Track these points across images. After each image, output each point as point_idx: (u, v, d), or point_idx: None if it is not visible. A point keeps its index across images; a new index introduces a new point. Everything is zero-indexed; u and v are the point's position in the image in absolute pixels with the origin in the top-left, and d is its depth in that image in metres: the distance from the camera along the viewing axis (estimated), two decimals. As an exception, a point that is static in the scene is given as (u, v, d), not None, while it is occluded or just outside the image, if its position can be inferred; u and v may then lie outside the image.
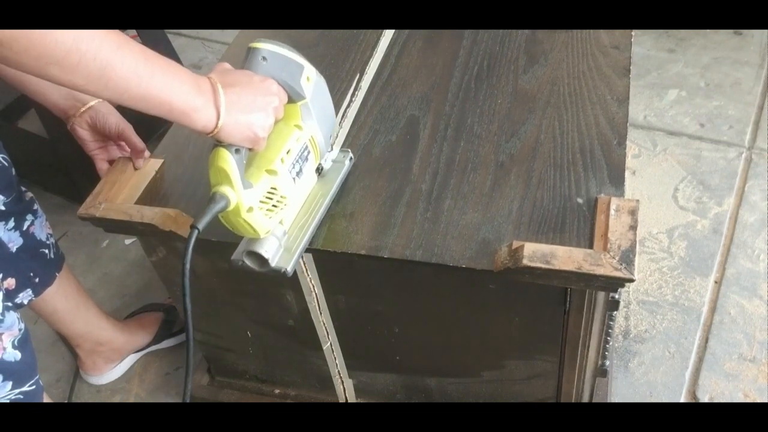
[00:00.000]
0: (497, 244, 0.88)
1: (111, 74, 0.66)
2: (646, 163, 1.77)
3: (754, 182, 1.67)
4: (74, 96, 1.01)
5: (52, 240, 1.25)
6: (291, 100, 0.86)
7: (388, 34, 1.24)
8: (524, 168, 0.97)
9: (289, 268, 0.87)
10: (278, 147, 0.86)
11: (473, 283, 0.93)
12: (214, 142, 0.79)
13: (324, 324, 1.09)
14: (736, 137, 1.79)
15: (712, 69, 2.00)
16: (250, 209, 0.81)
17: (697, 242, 1.57)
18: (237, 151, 0.79)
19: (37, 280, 1.23)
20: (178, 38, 2.37)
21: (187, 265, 0.77)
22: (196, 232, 0.77)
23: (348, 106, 1.10)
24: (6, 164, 1.11)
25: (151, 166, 1.05)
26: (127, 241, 1.77)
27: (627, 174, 0.94)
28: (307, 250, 0.93)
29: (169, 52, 1.88)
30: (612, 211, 0.87)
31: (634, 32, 1.16)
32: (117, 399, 1.45)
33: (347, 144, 1.05)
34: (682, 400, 1.32)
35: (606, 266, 0.81)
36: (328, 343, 1.13)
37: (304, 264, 0.98)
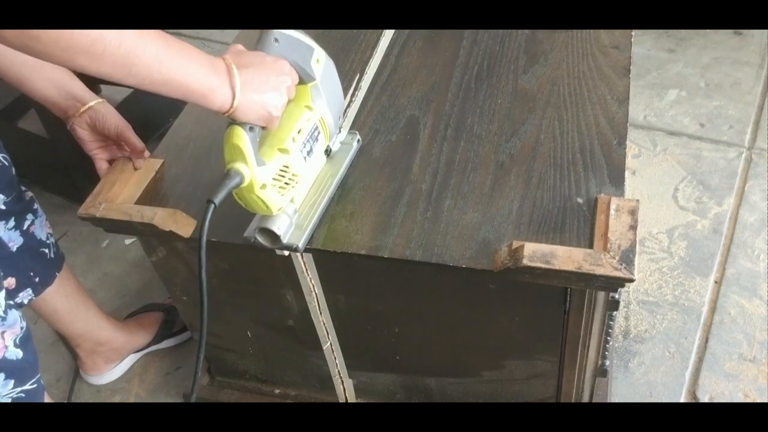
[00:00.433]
0: (497, 244, 0.88)
1: (135, 60, 0.69)
2: (646, 163, 1.76)
3: (754, 182, 1.67)
4: (74, 96, 1.01)
5: (52, 240, 1.25)
6: (301, 81, 0.89)
7: (388, 34, 1.24)
8: (524, 168, 0.97)
9: (300, 245, 0.91)
10: (289, 126, 0.89)
11: (473, 283, 0.93)
12: (229, 121, 0.81)
13: (324, 324, 1.09)
14: (736, 137, 1.79)
15: (712, 69, 2.00)
16: (263, 186, 0.83)
17: (697, 242, 1.57)
18: (251, 129, 0.81)
19: (37, 279, 1.23)
20: (178, 38, 2.36)
21: (203, 239, 0.80)
22: (212, 206, 0.80)
23: (348, 106, 1.10)
24: (6, 164, 1.11)
25: (151, 166, 1.05)
26: (127, 241, 1.77)
27: (627, 174, 0.95)
28: (307, 250, 0.93)
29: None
30: (612, 211, 0.87)
31: (634, 32, 1.16)
32: (117, 399, 1.45)
33: (347, 144, 1.05)
34: (682, 400, 1.32)
35: (606, 266, 0.81)
36: (328, 343, 1.13)
37: (304, 264, 0.98)
